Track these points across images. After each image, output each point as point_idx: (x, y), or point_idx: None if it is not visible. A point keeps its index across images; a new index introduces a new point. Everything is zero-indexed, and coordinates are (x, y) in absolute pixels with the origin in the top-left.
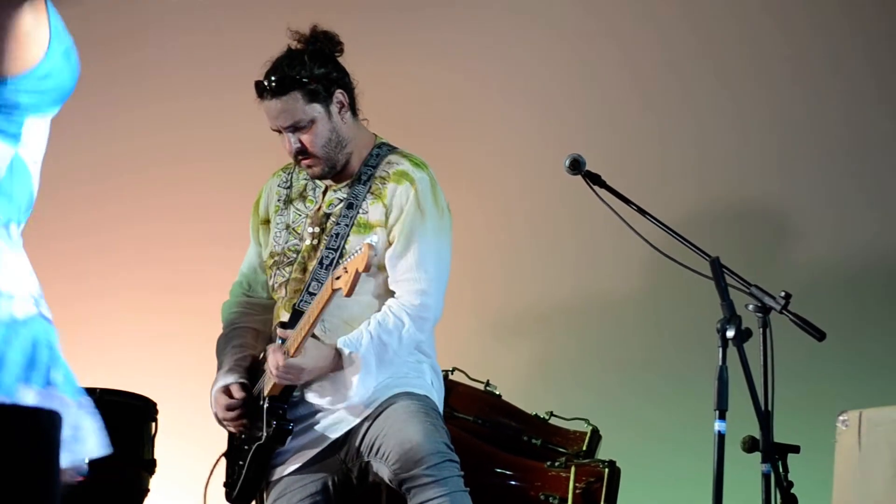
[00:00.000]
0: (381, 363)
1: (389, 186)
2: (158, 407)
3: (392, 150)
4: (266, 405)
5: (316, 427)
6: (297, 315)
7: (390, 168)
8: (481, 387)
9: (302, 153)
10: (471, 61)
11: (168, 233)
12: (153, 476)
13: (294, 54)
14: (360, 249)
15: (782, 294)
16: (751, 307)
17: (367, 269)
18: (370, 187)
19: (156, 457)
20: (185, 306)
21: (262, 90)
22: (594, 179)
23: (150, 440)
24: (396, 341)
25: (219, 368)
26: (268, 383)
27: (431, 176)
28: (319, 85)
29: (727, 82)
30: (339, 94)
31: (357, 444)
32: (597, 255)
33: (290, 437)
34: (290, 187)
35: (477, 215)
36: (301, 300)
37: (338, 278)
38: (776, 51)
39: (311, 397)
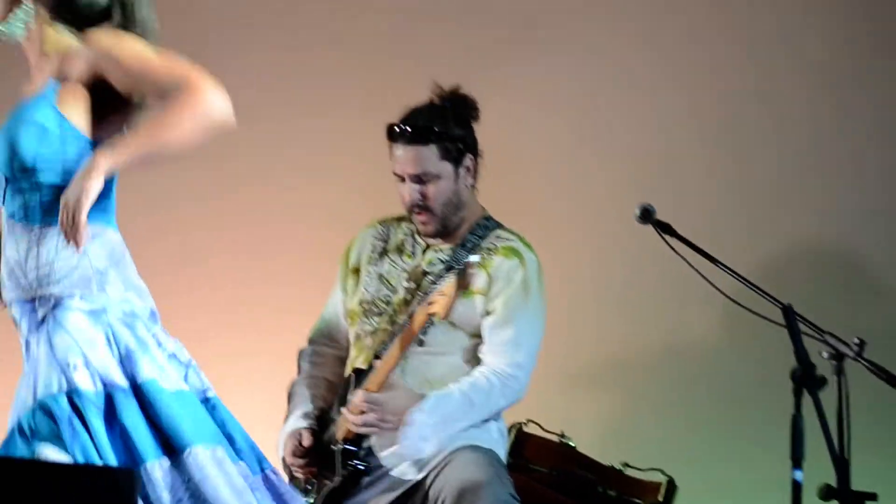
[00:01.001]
0: (458, 421)
1: (497, 259)
2: None
3: (499, 225)
4: (339, 448)
5: (383, 479)
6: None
7: (499, 242)
8: (555, 438)
9: (419, 206)
10: (539, 106)
11: (245, 270)
12: None
13: (437, 109)
14: (461, 266)
15: (856, 341)
16: (825, 354)
17: (465, 286)
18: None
19: None
20: (259, 346)
21: (397, 134)
22: (664, 228)
23: None
24: (482, 402)
25: (289, 414)
26: (341, 427)
27: (538, 260)
28: (454, 145)
29: (803, 126)
30: (468, 159)
31: (421, 497)
32: (667, 304)
33: (363, 479)
34: (386, 240)
35: (547, 265)
36: (384, 349)
37: (431, 304)
38: (854, 99)
39: (380, 447)
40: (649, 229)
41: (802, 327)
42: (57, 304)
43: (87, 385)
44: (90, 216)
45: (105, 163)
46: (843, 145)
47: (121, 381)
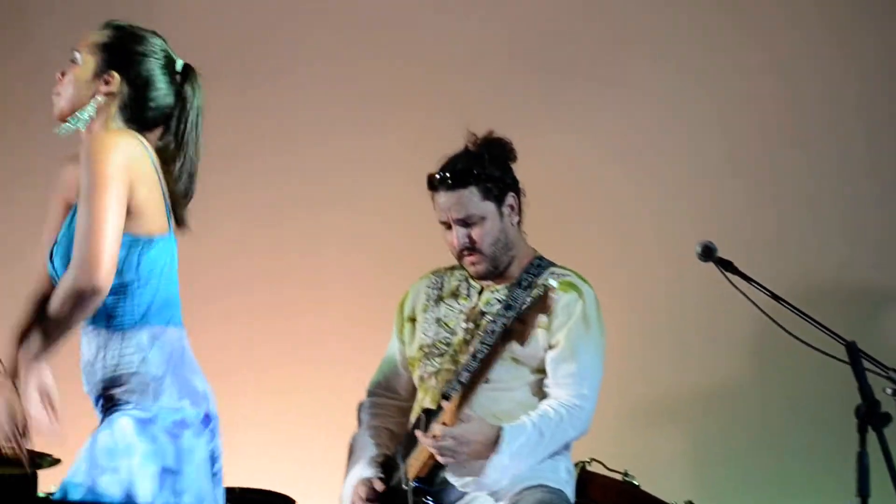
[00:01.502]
0: (531, 454)
1: (556, 294)
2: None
3: (552, 264)
4: (411, 486)
5: None
6: (446, 400)
7: (555, 278)
8: (619, 477)
9: (469, 249)
10: (591, 145)
11: (303, 328)
12: None
13: (472, 153)
14: (540, 292)
15: None
16: (889, 391)
17: (548, 311)
18: (531, 293)
19: None
20: (321, 404)
21: (437, 182)
22: (726, 266)
23: None
24: (552, 434)
25: (354, 463)
26: (412, 466)
27: (595, 293)
28: (495, 185)
29: (864, 163)
30: (510, 197)
31: None
32: (731, 341)
33: None
34: (441, 288)
35: (611, 302)
36: (451, 388)
37: (510, 332)
38: None
39: (451, 480)
40: (709, 266)
41: (866, 364)
42: (115, 406)
43: (109, 489)
44: (151, 319)
45: (25, 369)
46: None
47: (144, 496)
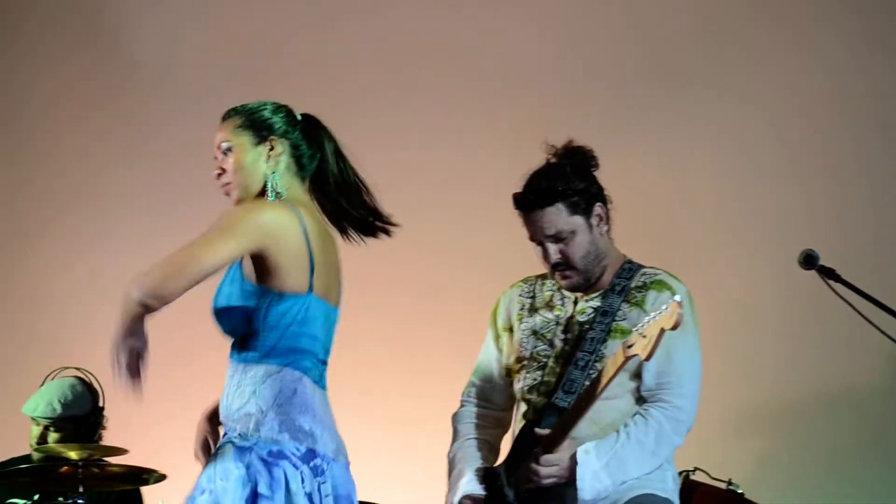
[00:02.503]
0: (635, 462)
1: (650, 294)
2: None
3: (641, 266)
4: (522, 499)
5: None
6: (552, 409)
7: (647, 278)
8: (723, 486)
9: (561, 264)
10: (693, 155)
11: (414, 337)
12: None
13: (555, 167)
14: (666, 308)
15: None
16: None
17: (675, 326)
18: (625, 297)
19: None
20: (429, 415)
21: (523, 202)
22: (829, 274)
23: None
24: (653, 441)
25: (457, 477)
26: (521, 479)
27: (687, 290)
28: (581, 198)
29: None
30: (598, 208)
31: None
32: (836, 350)
33: None
34: (533, 297)
35: (711, 310)
36: (556, 397)
37: (631, 346)
38: None
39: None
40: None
41: None
42: (226, 433)
43: None
44: (272, 359)
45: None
46: None
47: None
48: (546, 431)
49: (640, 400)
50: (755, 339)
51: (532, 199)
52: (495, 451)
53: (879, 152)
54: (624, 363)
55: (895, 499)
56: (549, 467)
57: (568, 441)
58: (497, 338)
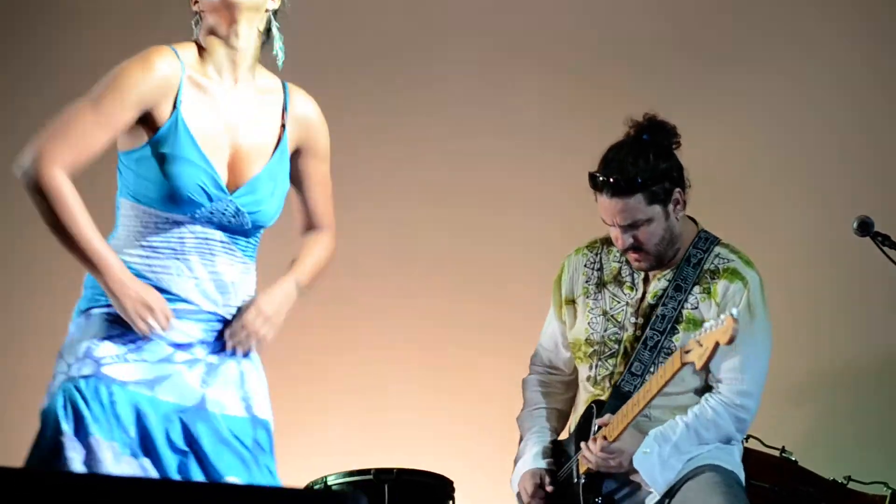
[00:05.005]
0: (688, 454)
1: (721, 283)
2: (455, 485)
3: (717, 240)
4: (583, 482)
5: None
6: (616, 394)
7: (720, 263)
8: (776, 453)
9: (634, 248)
10: (753, 121)
11: (462, 307)
12: None
13: (638, 149)
14: (723, 321)
15: None
16: None
17: (730, 341)
18: (698, 275)
19: None
20: (480, 385)
21: (602, 185)
22: (884, 240)
23: None
24: (710, 433)
25: (524, 448)
26: (581, 462)
27: (760, 278)
28: (661, 186)
29: None
30: (677, 193)
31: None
32: (890, 316)
33: None
34: (600, 269)
35: (767, 277)
36: (622, 380)
37: (688, 352)
38: None
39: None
40: (862, 242)
41: None
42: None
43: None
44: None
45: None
46: None
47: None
48: (608, 419)
49: (707, 388)
50: (809, 307)
51: (612, 186)
52: (564, 417)
53: None
54: (679, 369)
55: None
56: (609, 460)
57: (629, 431)
58: (560, 308)
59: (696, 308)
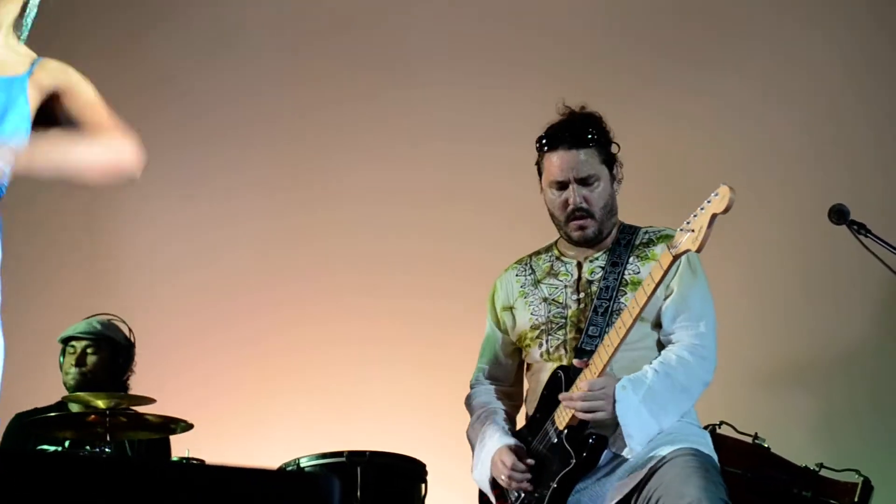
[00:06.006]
0: (669, 397)
1: (659, 247)
2: (428, 468)
3: (639, 226)
4: (565, 434)
5: (616, 472)
6: (580, 354)
7: (653, 235)
8: (749, 440)
9: (581, 210)
10: (729, 110)
11: (434, 291)
12: None
13: (591, 116)
14: (715, 194)
15: None
16: None
17: (727, 209)
18: (630, 251)
19: None
20: (453, 365)
21: (560, 140)
22: (859, 228)
23: (421, 501)
24: (683, 377)
25: (486, 437)
26: (561, 417)
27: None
28: (608, 149)
29: None
30: (618, 166)
31: (634, 498)
32: (863, 304)
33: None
34: (532, 273)
35: (739, 266)
36: (582, 342)
37: (675, 247)
38: None
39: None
40: (835, 229)
41: None
42: None
43: None
44: None
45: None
46: None
47: None
48: (585, 361)
49: (661, 348)
50: (782, 294)
51: (569, 138)
52: (513, 421)
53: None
54: (674, 261)
55: None
56: (595, 401)
57: (608, 374)
58: (497, 320)
59: (639, 272)
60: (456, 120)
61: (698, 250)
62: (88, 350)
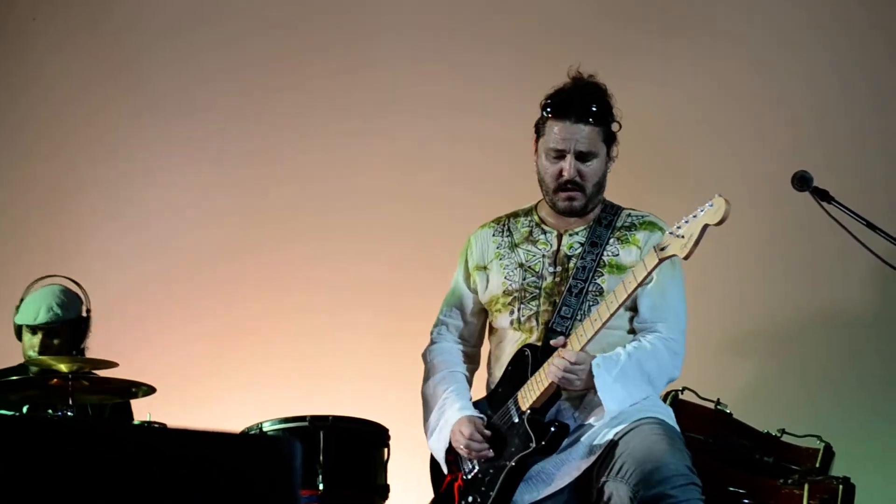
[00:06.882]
0: (636, 383)
1: (641, 233)
2: (391, 432)
3: (623, 207)
4: (527, 416)
5: (577, 446)
6: (551, 334)
7: (635, 219)
8: (711, 406)
9: (574, 183)
10: (692, 77)
11: (398, 258)
12: (386, 502)
13: (600, 90)
14: (710, 204)
15: None
16: None
17: (721, 222)
18: (611, 232)
19: (389, 483)
20: (416, 331)
21: (567, 111)
22: (822, 195)
23: (383, 466)
24: (654, 367)
25: (446, 404)
26: (525, 398)
27: None
28: (610, 128)
29: None
30: (615, 146)
31: (599, 464)
32: (824, 270)
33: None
34: (510, 235)
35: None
36: (553, 322)
37: (664, 248)
38: None
39: (563, 416)
40: (805, 197)
41: None
42: None
43: None
44: None
45: None
46: None
47: None
48: (563, 340)
49: (633, 332)
50: (745, 262)
51: (577, 111)
52: (470, 384)
53: (862, 84)
54: (658, 264)
55: (883, 418)
56: (577, 364)
57: (583, 353)
58: (468, 277)
59: (618, 255)
60: (424, 92)
61: (685, 258)
62: (51, 335)
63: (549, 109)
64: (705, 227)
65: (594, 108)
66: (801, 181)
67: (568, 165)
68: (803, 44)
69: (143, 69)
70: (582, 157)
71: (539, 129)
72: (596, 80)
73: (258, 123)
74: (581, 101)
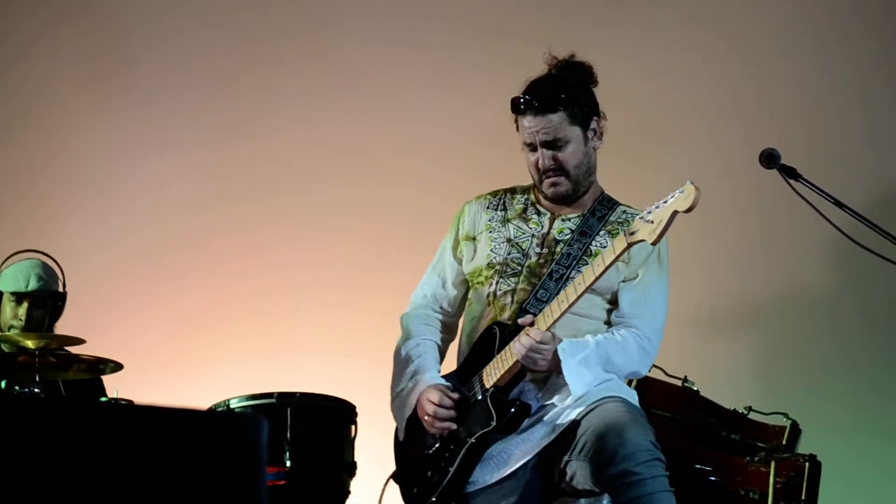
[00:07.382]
0: (599, 372)
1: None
2: (358, 410)
3: (620, 203)
4: (490, 393)
5: (538, 426)
6: (523, 315)
7: (628, 216)
8: (678, 383)
9: (553, 169)
10: (660, 57)
11: (364, 236)
12: (353, 478)
13: (558, 77)
14: (681, 191)
15: None
16: None
17: (690, 209)
18: (605, 226)
19: (356, 459)
20: (384, 309)
21: (524, 106)
22: (790, 173)
23: (351, 443)
24: (622, 361)
25: (418, 371)
26: (490, 375)
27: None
28: (580, 109)
29: None
30: (594, 122)
31: (562, 443)
32: (793, 249)
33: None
34: (504, 210)
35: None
36: (528, 303)
37: (633, 233)
38: None
39: (527, 397)
40: (773, 175)
41: None
42: None
43: None
44: None
45: None
46: None
47: None
48: (530, 319)
49: (609, 325)
50: (713, 238)
51: (534, 104)
52: (442, 356)
53: (843, 60)
54: (627, 248)
55: (852, 395)
56: (542, 344)
57: (551, 333)
58: (456, 245)
59: (605, 247)
60: (400, 74)
61: (653, 243)
62: (36, 304)
63: (512, 108)
64: (675, 213)
65: (554, 96)
66: (769, 159)
67: (540, 156)
68: (782, 20)
69: (126, 52)
70: (550, 145)
71: (516, 124)
72: (571, 60)
73: (238, 105)
74: (540, 91)
